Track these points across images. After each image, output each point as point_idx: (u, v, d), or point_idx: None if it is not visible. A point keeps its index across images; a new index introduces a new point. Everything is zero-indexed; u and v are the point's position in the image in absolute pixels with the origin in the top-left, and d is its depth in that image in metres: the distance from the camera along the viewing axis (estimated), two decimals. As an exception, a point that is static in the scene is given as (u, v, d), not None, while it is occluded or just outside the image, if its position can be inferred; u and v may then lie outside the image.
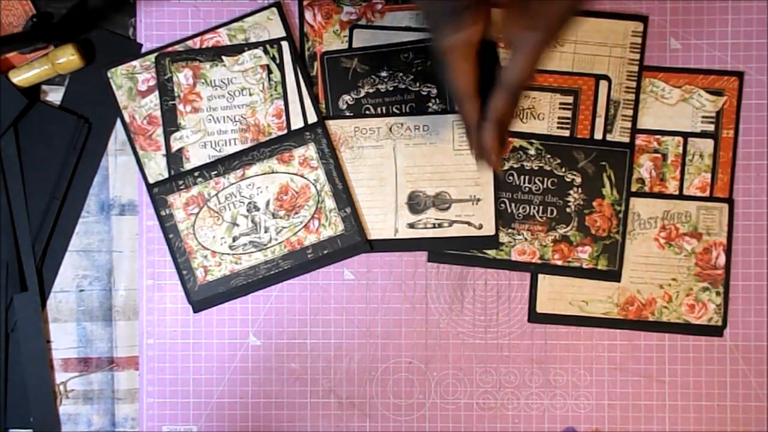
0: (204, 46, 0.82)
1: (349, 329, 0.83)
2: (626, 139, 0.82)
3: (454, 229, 0.82)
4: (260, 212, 0.82)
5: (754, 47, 0.82)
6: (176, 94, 0.82)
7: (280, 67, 0.82)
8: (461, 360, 0.83)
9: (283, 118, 0.82)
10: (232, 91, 0.82)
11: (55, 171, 0.82)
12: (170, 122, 0.82)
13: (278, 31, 0.82)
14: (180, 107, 0.82)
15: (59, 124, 0.82)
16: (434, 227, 0.82)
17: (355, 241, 0.82)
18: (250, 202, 0.82)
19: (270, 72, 0.82)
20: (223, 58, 0.82)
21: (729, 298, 0.82)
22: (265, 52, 0.82)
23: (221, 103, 0.82)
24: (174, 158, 0.82)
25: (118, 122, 0.82)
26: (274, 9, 0.82)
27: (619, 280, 0.82)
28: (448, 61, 0.61)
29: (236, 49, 0.82)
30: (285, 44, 0.82)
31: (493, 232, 0.82)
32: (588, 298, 0.82)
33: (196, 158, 0.82)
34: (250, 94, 0.82)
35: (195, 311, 0.82)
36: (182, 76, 0.82)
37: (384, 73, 0.83)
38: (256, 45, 0.82)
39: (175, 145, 0.82)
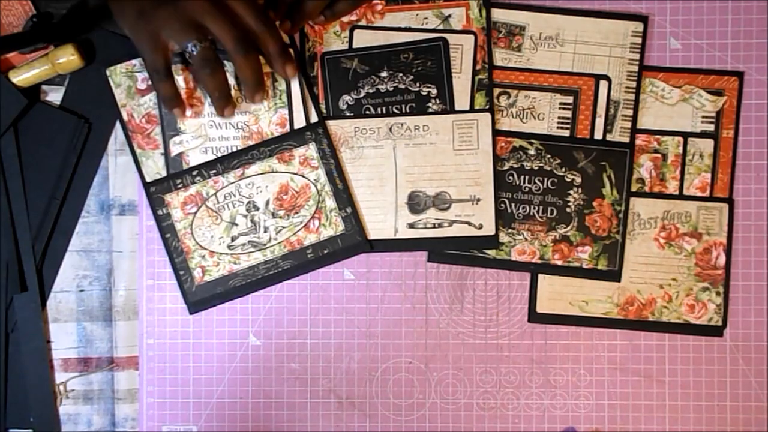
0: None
1: (349, 329, 0.83)
2: (626, 139, 0.82)
3: (454, 229, 0.82)
4: (260, 212, 0.82)
5: (754, 47, 0.82)
6: None
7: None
8: (461, 360, 0.83)
9: (287, 126, 0.82)
10: (235, 98, 0.81)
11: (55, 171, 0.82)
12: (170, 125, 0.82)
13: (278, 32, 0.82)
14: None
15: (59, 124, 0.82)
16: (434, 227, 0.82)
17: (355, 241, 0.82)
18: (249, 202, 0.82)
19: (275, 80, 0.82)
20: (226, 63, 0.81)
21: (729, 298, 0.82)
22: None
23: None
24: (174, 162, 0.82)
25: (118, 122, 0.82)
26: (274, 9, 0.82)
27: (619, 280, 0.82)
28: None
29: None
30: (290, 52, 0.81)
31: (493, 232, 0.82)
32: (588, 298, 0.82)
33: (195, 163, 0.82)
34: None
35: (191, 313, 0.82)
36: (182, 80, 0.81)
37: (384, 74, 0.83)
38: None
39: (174, 150, 0.82)
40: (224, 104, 0.78)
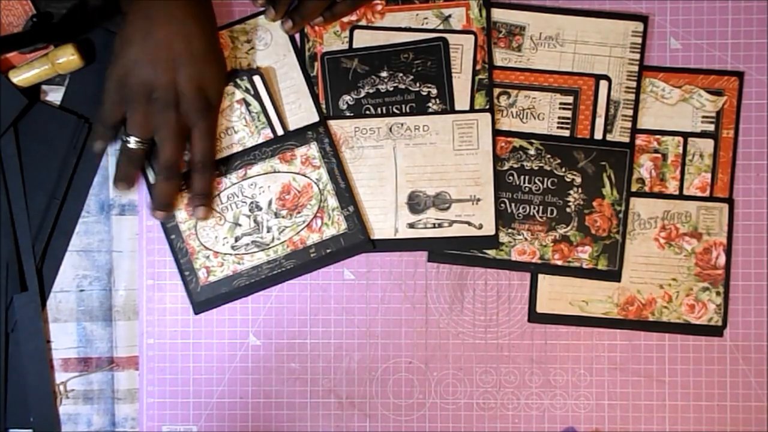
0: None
1: (349, 329, 0.83)
2: (626, 139, 0.82)
3: (454, 229, 0.82)
4: (262, 212, 0.82)
5: (754, 47, 0.83)
6: None
7: (257, 97, 0.82)
8: (461, 360, 0.83)
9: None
10: (218, 135, 0.82)
11: (55, 171, 0.82)
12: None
13: (280, 33, 0.82)
14: None
15: (59, 124, 0.81)
16: (434, 227, 0.82)
17: (358, 240, 0.82)
18: (252, 202, 0.82)
19: (248, 104, 0.82)
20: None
21: (729, 298, 0.83)
22: (237, 86, 0.81)
23: None
24: None
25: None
26: (276, 10, 0.82)
27: (619, 280, 0.82)
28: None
29: None
30: (257, 78, 0.81)
31: (493, 232, 0.82)
32: (588, 298, 0.83)
33: None
34: (236, 132, 0.82)
35: (196, 313, 0.82)
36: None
37: (384, 73, 0.83)
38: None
39: None
40: (120, 181, 0.79)
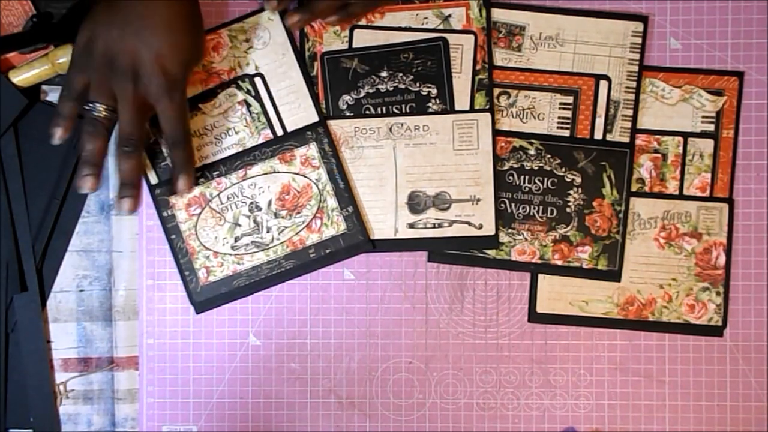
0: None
1: (349, 329, 0.83)
2: (626, 139, 0.82)
3: (454, 229, 0.82)
4: (262, 212, 0.82)
5: (754, 47, 0.82)
6: None
7: (258, 98, 0.82)
8: (461, 360, 0.83)
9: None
10: (218, 135, 0.82)
11: (55, 171, 0.82)
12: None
13: (279, 32, 0.82)
14: None
15: (59, 124, 0.81)
16: (434, 227, 0.82)
17: (357, 240, 0.82)
18: (252, 202, 0.82)
19: (249, 105, 0.82)
20: (200, 105, 0.82)
21: (729, 298, 0.83)
22: (239, 88, 0.82)
23: (211, 150, 0.82)
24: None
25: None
26: (275, 9, 0.82)
27: (619, 280, 0.82)
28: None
29: (210, 94, 0.82)
30: (258, 80, 0.82)
31: (493, 232, 0.82)
32: (588, 298, 0.82)
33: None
34: (236, 132, 0.82)
35: (197, 312, 0.82)
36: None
37: (384, 73, 0.83)
38: (228, 84, 0.82)
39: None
40: (86, 171, 0.75)
